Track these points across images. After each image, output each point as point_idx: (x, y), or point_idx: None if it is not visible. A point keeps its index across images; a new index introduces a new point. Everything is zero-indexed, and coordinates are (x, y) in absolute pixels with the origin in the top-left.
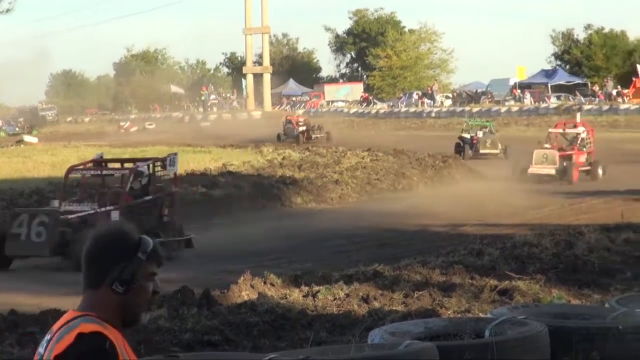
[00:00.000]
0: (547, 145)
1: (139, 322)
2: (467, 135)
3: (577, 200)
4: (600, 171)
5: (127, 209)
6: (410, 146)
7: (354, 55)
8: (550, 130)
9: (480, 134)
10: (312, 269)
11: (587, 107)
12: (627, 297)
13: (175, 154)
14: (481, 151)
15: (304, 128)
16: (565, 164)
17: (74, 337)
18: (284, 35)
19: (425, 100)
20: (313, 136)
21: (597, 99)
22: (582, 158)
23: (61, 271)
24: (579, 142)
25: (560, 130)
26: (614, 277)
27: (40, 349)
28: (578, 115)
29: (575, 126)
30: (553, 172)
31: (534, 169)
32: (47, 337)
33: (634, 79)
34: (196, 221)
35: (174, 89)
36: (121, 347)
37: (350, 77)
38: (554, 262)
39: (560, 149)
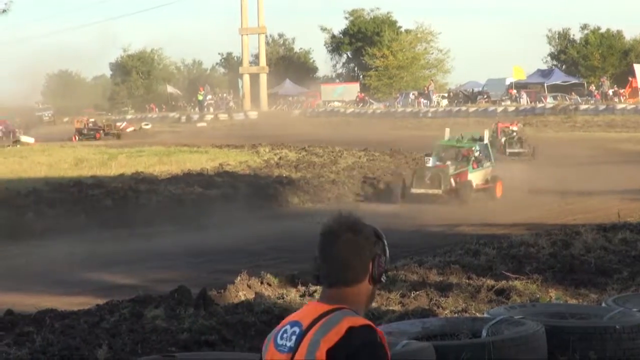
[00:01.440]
0: None
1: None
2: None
3: (574, 200)
4: None
5: None
6: (407, 146)
7: (350, 55)
8: None
9: (429, 162)
10: (308, 268)
11: (583, 107)
12: (624, 297)
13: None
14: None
15: (503, 139)
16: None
17: (344, 330)
18: (280, 36)
19: (422, 100)
20: (508, 150)
21: (594, 98)
22: None
23: (58, 271)
24: None
25: None
26: (610, 276)
27: (285, 342)
28: None
29: None
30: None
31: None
32: (293, 329)
33: (630, 78)
34: (193, 221)
35: (170, 89)
36: None
37: (347, 77)
38: (551, 261)
39: None
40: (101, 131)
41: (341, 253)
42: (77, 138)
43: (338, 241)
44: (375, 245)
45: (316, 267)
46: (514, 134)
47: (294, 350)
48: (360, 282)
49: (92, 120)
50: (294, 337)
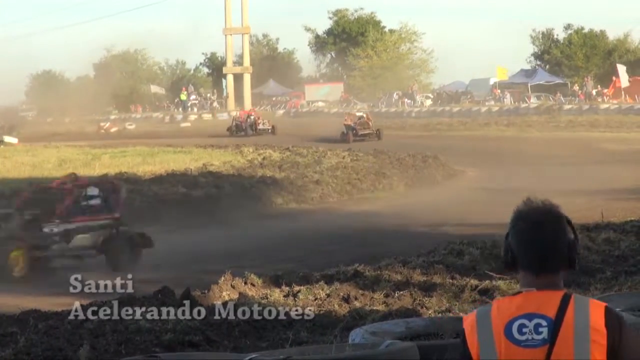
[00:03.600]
0: None
1: None
2: None
3: (557, 200)
4: None
5: None
6: (391, 146)
7: (334, 55)
8: None
9: None
10: (292, 269)
11: (567, 107)
12: (606, 297)
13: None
14: None
15: None
16: None
17: (603, 311)
18: (264, 36)
19: (406, 100)
20: None
21: (577, 98)
22: None
23: (41, 272)
24: None
25: None
26: (594, 276)
27: (530, 335)
28: None
29: None
30: None
31: None
32: (536, 321)
33: (613, 78)
34: (177, 221)
35: (154, 89)
36: None
37: (331, 77)
38: None
39: None
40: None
41: (550, 239)
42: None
43: (546, 228)
44: (574, 233)
45: (510, 253)
46: None
47: (550, 341)
48: (563, 267)
49: (361, 114)
50: (543, 329)
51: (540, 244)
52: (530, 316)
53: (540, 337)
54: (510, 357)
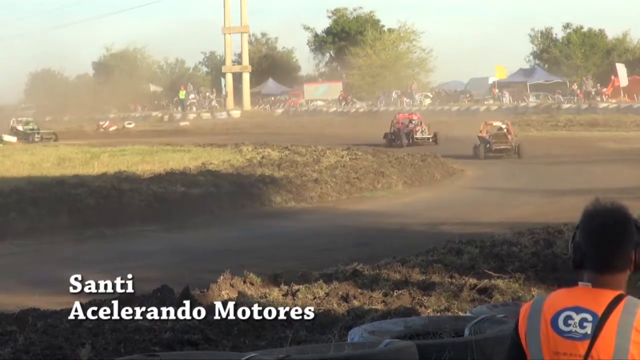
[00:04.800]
0: None
1: None
2: None
3: (557, 199)
4: None
5: None
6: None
7: (332, 54)
8: None
9: None
10: (291, 268)
11: (565, 106)
12: None
13: None
14: None
15: None
16: None
17: None
18: (263, 35)
19: (405, 99)
20: None
21: (576, 98)
22: None
23: (40, 270)
24: None
25: None
26: None
27: (574, 328)
28: None
29: None
30: None
31: None
32: (582, 316)
33: (612, 77)
34: (176, 220)
35: (153, 87)
36: None
37: (330, 76)
38: (533, 260)
39: None
40: None
41: (615, 239)
42: None
43: (613, 229)
44: (637, 234)
45: (578, 251)
46: None
47: (592, 337)
48: (626, 269)
49: (499, 124)
50: (588, 324)
51: (608, 246)
52: (578, 310)
53: (583, 331)
54: (552, 345)
